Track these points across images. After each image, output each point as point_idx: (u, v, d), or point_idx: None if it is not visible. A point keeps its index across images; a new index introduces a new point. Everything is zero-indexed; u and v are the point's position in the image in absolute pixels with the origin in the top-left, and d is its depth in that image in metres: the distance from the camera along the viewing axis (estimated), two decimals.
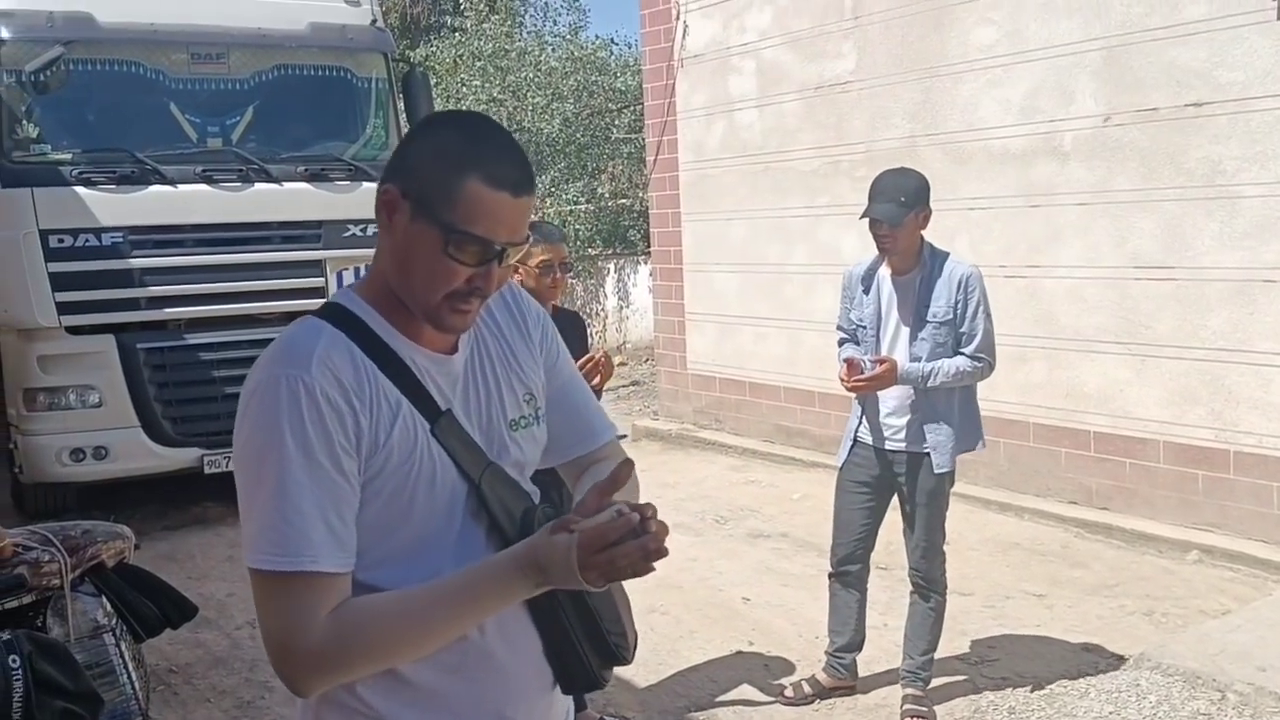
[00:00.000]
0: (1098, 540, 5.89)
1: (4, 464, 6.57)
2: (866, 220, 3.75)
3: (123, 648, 2.50)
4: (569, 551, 1.30)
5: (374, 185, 5.66)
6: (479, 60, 16.17)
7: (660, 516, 1.38)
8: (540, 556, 1.33)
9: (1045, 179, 6.33)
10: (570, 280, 8.82)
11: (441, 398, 1.47)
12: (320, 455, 1.34)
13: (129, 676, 2.48)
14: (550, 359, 1.65)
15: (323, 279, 6.84)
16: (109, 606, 2.51)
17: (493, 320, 1.59)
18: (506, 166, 1.40)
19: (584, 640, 1.53)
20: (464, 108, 15.08)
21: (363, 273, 7.24)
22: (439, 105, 8.43)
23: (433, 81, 8.04)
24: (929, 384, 3.69)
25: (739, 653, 4.58)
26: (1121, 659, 4.35)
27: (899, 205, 3.67)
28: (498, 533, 1.49)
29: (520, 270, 3.45)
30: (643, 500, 1.39)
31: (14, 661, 1.71)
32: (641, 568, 1.31)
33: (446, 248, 1.38)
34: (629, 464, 1.41)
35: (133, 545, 2.67)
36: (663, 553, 1.31)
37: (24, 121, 6.35)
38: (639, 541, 1.29)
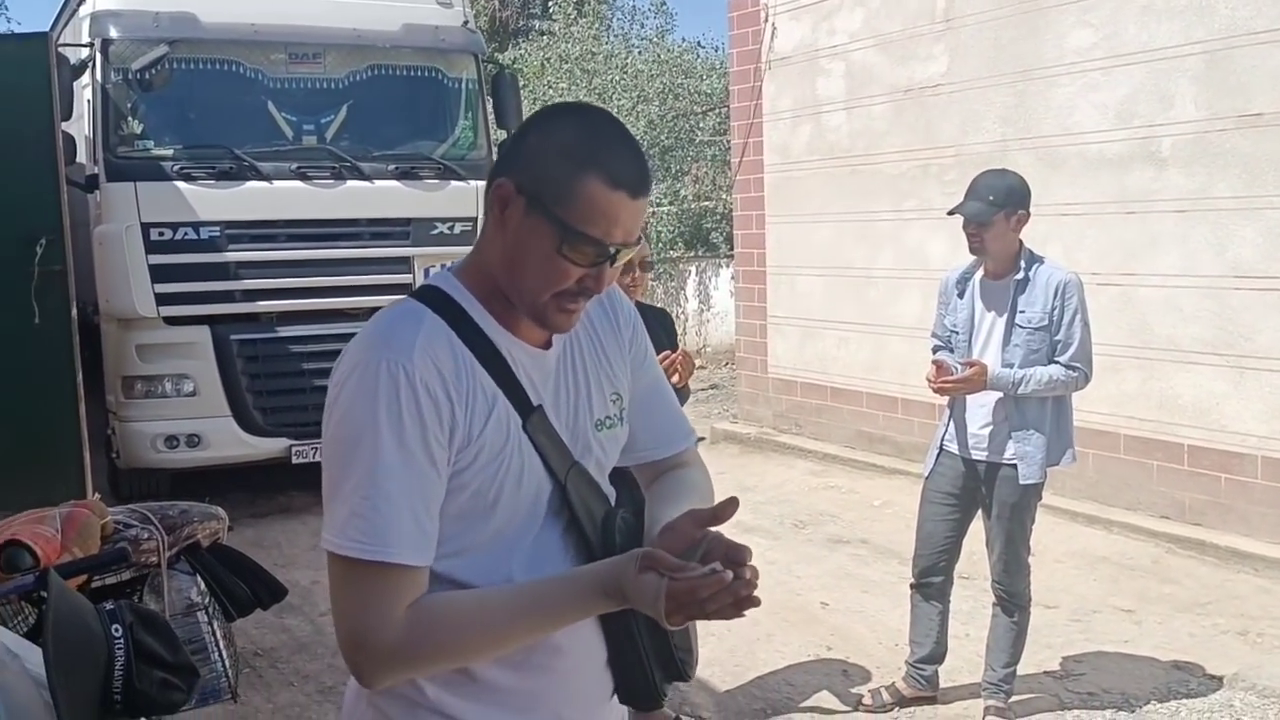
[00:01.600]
0: (1190, 557, 5.72)
1: (102, 449, 6.79)
2: (960, 221, 3.68)
3: (215, 626, 2.56)
4: (658, 598, 1.27)
5: (461, 184, 5.76)
6: (566, 63, 16.30)
7: (738, 520, 1.35)
8: (628, 589, 1.30)
9: (1142, 185, 6.17)
10: (651, 282, 8.83)
11: (534, 393, 1.44)
12: (414, 444, 1.31)
13: (220, 654, 2.55)
14: (638, 359, 1.62)
15: (410, 275, 6.94)
16: (203, 585, 2.58)
17: (587, 317, 1.54)
18: (626, 166, 1.35)
19: (651, 655, 1.49)
20: None
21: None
22: (526, 107, 8.54)
23: (520, 84, 8.11)
24: (1020, 391, 3.60)
25: (817, 658, 4.53)
26: (1215, 679, 4.21)
27: (987, 204, 3.60)
28: (576, 531, 1.46)
29: None
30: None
31: (116, 631, 1.76)
32: (730, 615, 1.28)
33: (561, 247, 1.34)
34: (734, 503, 1.35)
35: (226, 526, 2.74)
36: (755, 601, 1.28)
37: (129, 118, 6.57)
38: (731, 590, 1.26)
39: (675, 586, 1.26)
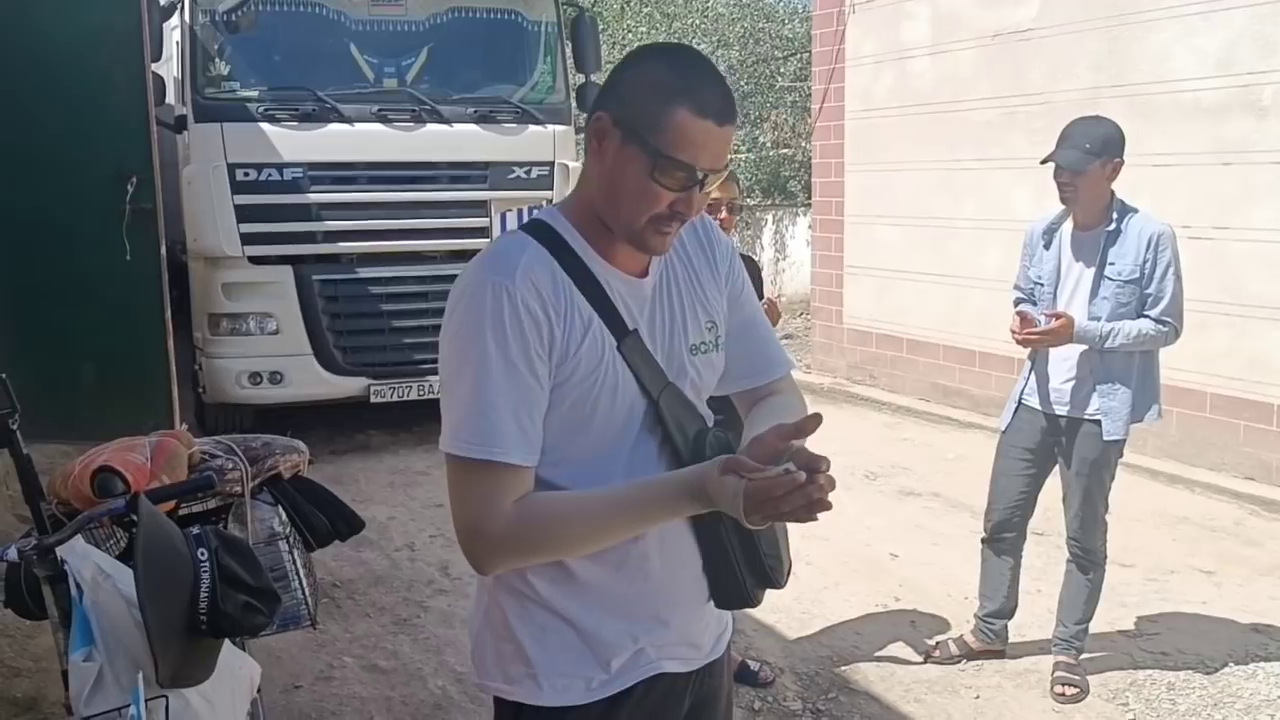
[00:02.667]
0: (1275, 519, 5.57)
1: (190, 384, 6.98)
2: (1051, 169, 3.57)
3: (295, 555, 2.63)
4: (737, 497, 1.36)
5: (539, 129, 5.76)
6: (646, 6, 16.11)
7: None
8: (711, 489, 1.40)
9: (1240, 135, 5.94)
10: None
11: (630, 318, 1.55)
12: (516, 358, 1.44)
13: (300, 582, 2.62)
14: (735, 291, 1.72)
15: (487, 219, 6.98)
16: (284, 515, 2.65)
17: (683, 249, 1.66)
18: (712, 96, 1.46)
19: (741, 559, 1.61)
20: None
21: (525, 215, 7.40)
22: (605, 51, 8.49)
23: (600, 27, 8.05)
24: (1107, 345, 3.50)
25: (885, 609, 4.53)
26: None
27: (1084, 152, 3.48)
28: (670, 447, 1.58)
29: None
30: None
31: (202, 554, 1.83)
32: (803, 517, 1.36)
33: (653, 172, 1.45)
34: (817, 418, 1.44)
35: (307, 459, 2.81)
36: (826, 505, 1.36)
37: (216, 60, 6.66)
38: (804, 491, 1.34)
39: (752, 486, 1.35)
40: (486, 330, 1.44)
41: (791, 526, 1.55)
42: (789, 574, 1.67)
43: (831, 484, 1.36)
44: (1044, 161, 3.56)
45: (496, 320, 1.44)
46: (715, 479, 1.39)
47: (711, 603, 1.67)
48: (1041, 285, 3.72)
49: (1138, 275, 3.52)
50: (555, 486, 1.52)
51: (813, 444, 1.45)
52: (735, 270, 1.72)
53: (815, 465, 1.36)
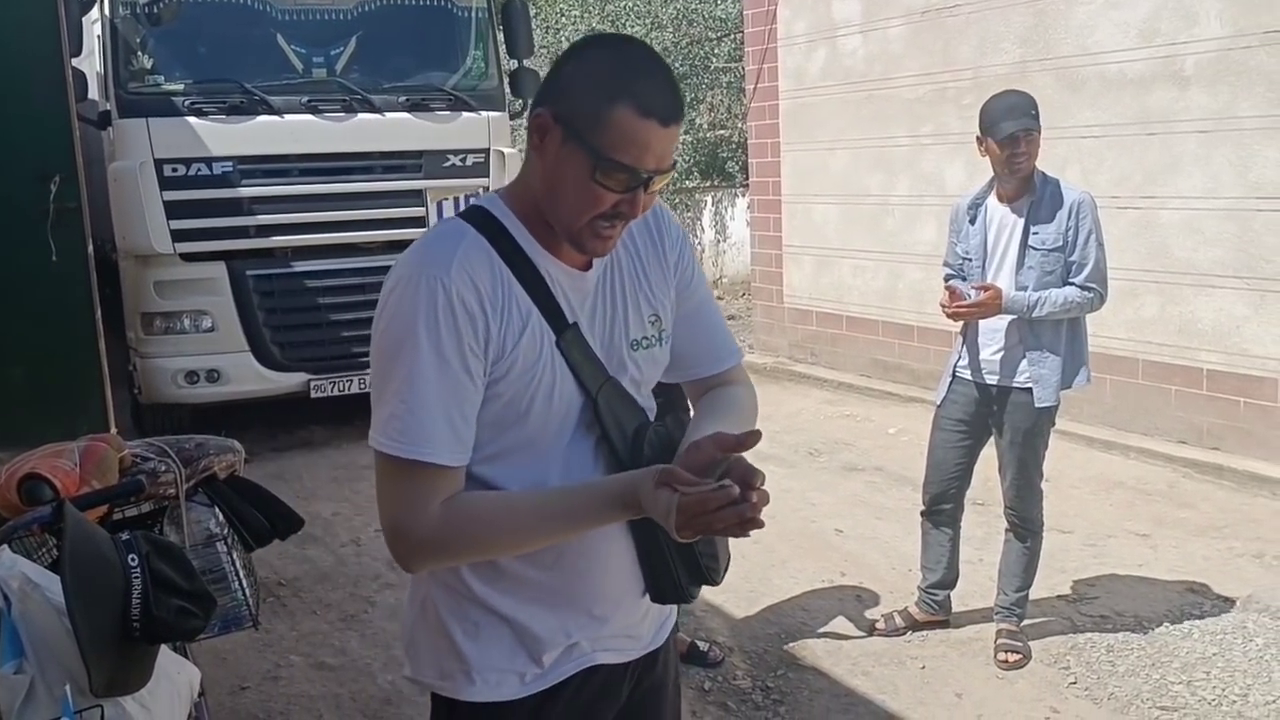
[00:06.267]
0: (1207, 481, 5.72)
1: (124, 385, 6.85)
2: (989, 144, 3.58)
3: (234, 556, 2.59)
4: (669, 511, 1.34)
5: (473, 115, 5.72)
6: None
7: (754, 448, 1.40)
8: (644, 500, 1.39)
9: (1164, 105, 6.06)
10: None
11: (570, 311, 1.52)
12: (450, 354, 1.41)
13: (240, 584, 2.58)
14: (684, 280, 1.68)
15: (423, 209, 6.92)
16: (221, 516, 2.61)
17: (630, 239, 1.61)
18: (657, 94, 1.40)
19: (676, 558, 1.59)
20: (563, 38, 15.02)
21: (461, 204, 7.32)
22: (538, 36, 8.43)
23: (532, 12, 8.00)
24: (1035, 313, 3.58)
25: (831, 584, 4.58)
26: (1228, 601, 4.24)
27: (1033, 119, 3.56)
28: (607, 445, 1.55)
29: None
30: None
31: (133, 560, 1.79)
32: (735, 534, 1.35)
33: (594, 174, 1.41)
34: (757, 434, 1.43)
35: (243, 459, 2.76)
36: (758, 523, 1.34)
37: (138, 53, 6.52)
38: (737, 510, 1.32)
39: (685, 500, 1.33)
40: (419, 325, 1.40)
41: None
42: (726, 570, 1.65)
43: (765, 500, 1.35)
44: (1007, 136, 3.54)
45: (429, 315, 1.40)
46: (649, 490, 1.37)
47: (648, 596, 1.65)
48: (970, 260, 3.78)
49: (1061, 244, 3.60)
50: (489, 483, 1.51)
51: (758, 424, 1.45)
52: (685, 259, 1.68)
53: (750, 480, 1.35)
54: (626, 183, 1.41)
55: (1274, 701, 3.49)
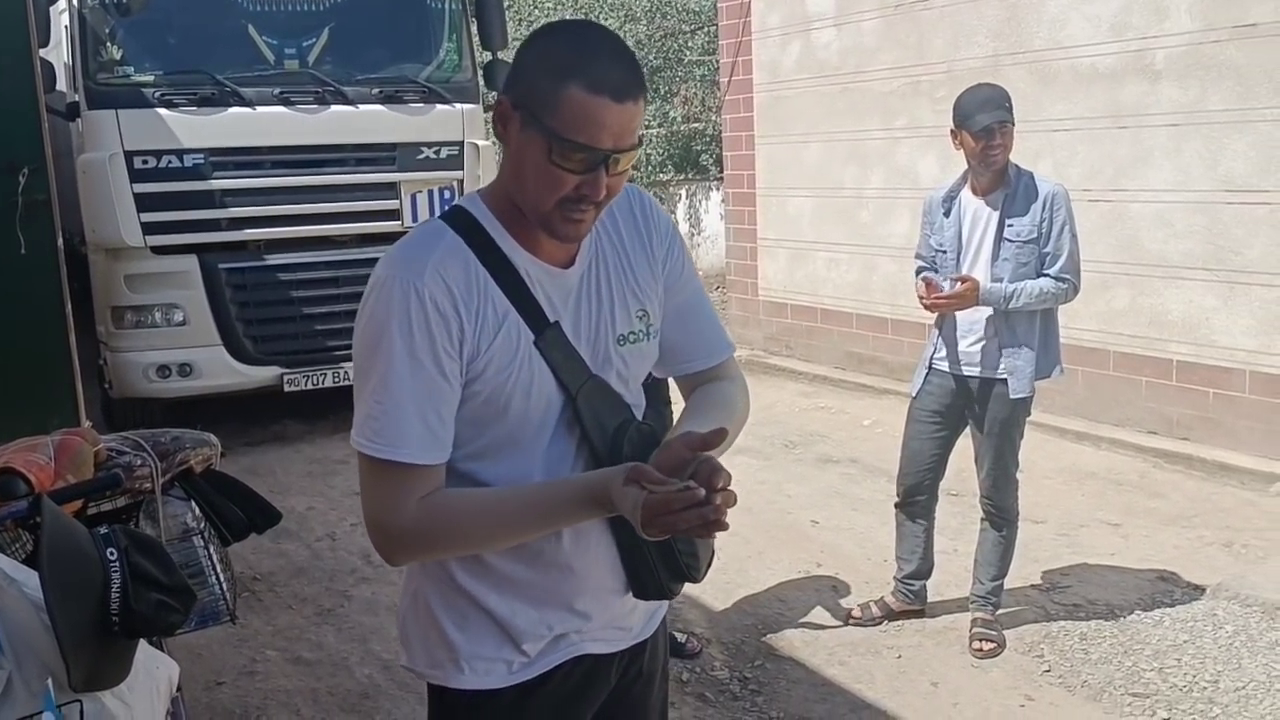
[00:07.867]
0: (1177, 471, 5.79)
1: (95, 380, 6.78)
2: (964, 136, 3.60)
3: (211, 550, 2.57)
4: (636, 509, 1.36)
5: (447, 108, 5.69)
6: None
7: (728, 443, 1.42)
8: (614, 497, 1.40)
9: (1135, 99, 6.12)
10: None
11: (551, 310, 1.52)
12: (424, 356, 1.43)
13: (217, 577, 2.56)
14: (674, 273, 1.68)
15: (397, 201, 6.88)
16: (197, 510, 2.58)
17: (616, 232, 1.62)
18: (607, 71, 1.40)
19: (655, 556, 1.60)
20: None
21: (436, 195, 7.26)
22: (511, 28, 8.40)
23: (505, 4, 7.96)
24: (1011, 305, 3.61)
25: (807, 575, 4.60)
26: (1199, 589, 4.29)
27: (1008, 111, 3.59)
28: (587, 444, 1.56)
29: None
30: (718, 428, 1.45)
31: (111, 554, 1.77)
32: (700, 534, 1.38)
33: (551, 155, 1.41)
34: (722, 432, 1.44)
35: (219, 452, 2.74)
36: (723, 525, 1.35)
37: (108, 44, 6.44)
38: (700, 511, 1.33)
39: (650, 499, 1.35)
40: (393, 328, 1.42)
41: None
42: (709, 568, 1.66)
43: (731, 500, 1.36)
44: (983, 128, 3.56)
45: (403, 318, 1.42)
46: (619, 487, 1.39)
47: (630, 593, 1.66)
48: (944, 253, 3.80)
49: (1036, 235, 3.63)
50: (473, 479, 1.53)
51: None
52: (674, 252, 1.67)
53: (714, 482, 1.35)
54: (585, 163, 1.41)
55: (1243, 687, 3.54)
